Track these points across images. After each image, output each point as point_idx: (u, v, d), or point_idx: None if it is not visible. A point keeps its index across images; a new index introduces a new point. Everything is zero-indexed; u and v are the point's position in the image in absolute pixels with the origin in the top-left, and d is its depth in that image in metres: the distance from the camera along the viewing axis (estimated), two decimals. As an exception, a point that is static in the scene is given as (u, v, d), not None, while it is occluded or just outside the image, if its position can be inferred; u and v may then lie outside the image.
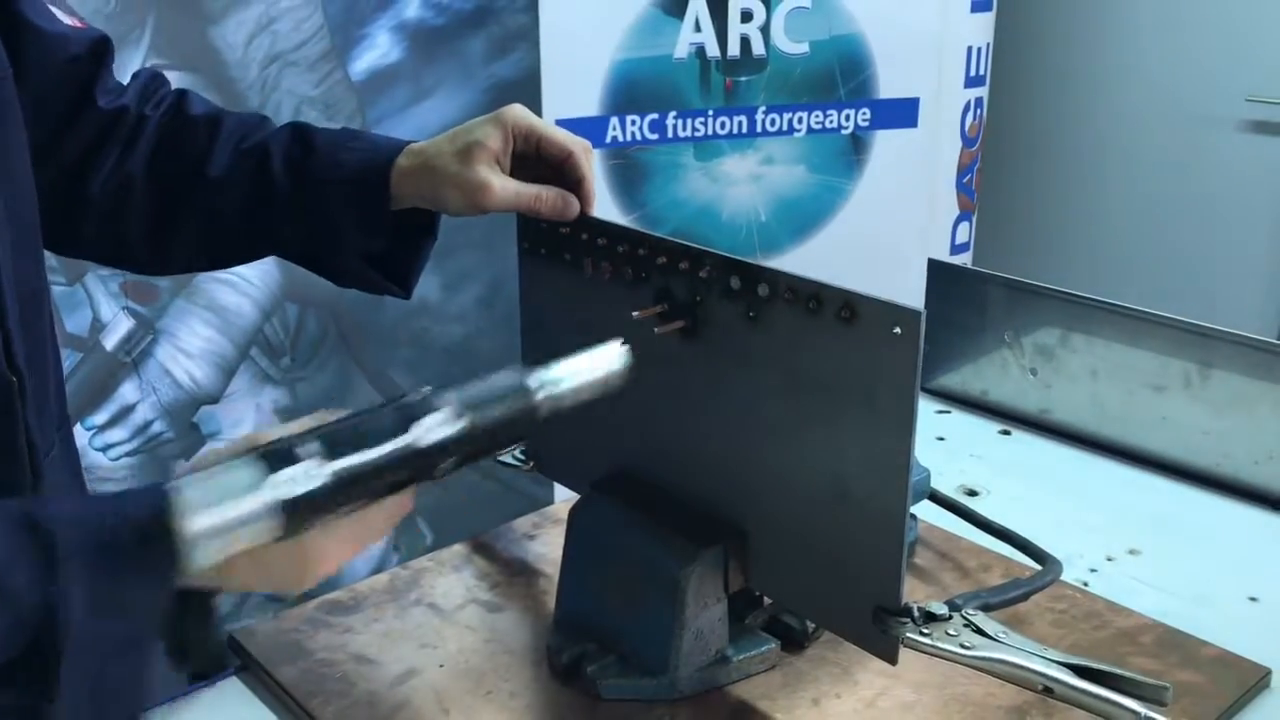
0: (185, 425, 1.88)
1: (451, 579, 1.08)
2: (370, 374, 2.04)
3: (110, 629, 0.70)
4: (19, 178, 0.86)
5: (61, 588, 0.66)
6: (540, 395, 0.77)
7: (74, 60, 0.95)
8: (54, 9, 0.96)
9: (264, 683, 0.96)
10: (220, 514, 0.65)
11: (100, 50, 0.97)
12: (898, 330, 0.76)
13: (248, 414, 1.94)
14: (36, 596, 0.66)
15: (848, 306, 0.79)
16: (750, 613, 0.96)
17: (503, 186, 0.91)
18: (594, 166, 0.96)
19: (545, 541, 1.15)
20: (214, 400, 1.90)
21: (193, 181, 0.96)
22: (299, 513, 0.67)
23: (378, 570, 2.12)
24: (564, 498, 1.20)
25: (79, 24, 0.99)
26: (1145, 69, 2.85)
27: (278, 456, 0.67)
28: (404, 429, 0.71)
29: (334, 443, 0.69)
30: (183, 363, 1.86)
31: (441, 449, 0.72)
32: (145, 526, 0.68)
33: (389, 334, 2.06)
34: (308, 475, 0.67)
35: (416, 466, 0.72)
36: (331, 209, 0.95)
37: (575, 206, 0.94)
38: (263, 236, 1.00)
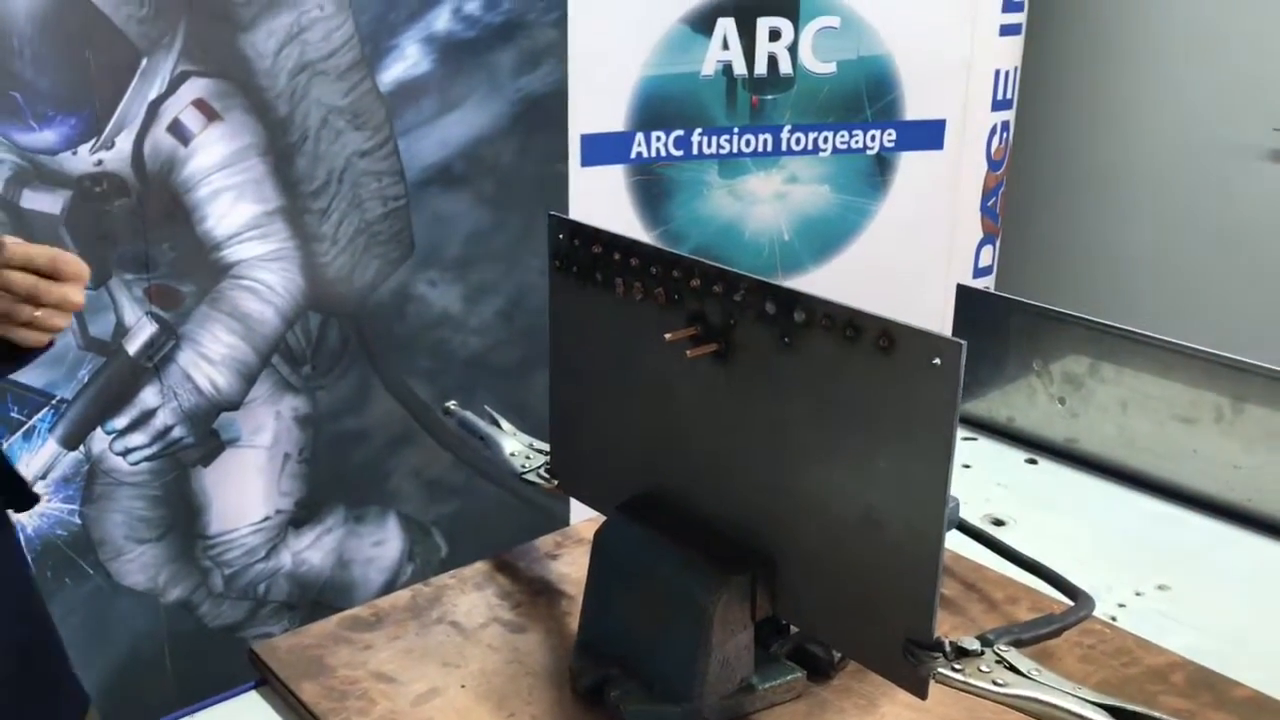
0: (205, 431, 1.88)
1: (474, 597, 1.08)
2: (389, 383, 2.04)
3: None
4: None
5: None
6: None
7: None
8: None
9: (284, 698, 0.95)
10: None
11: None
12: (937, 361, 0.75)
13: (268, 420, 1.93)
14: None
15: (886, 335, 0.78)
16: (776, 641, 0.95)
17: None
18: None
19: (568, 561, 1.14)
20: (234, 406, 1.90)
21: None
22: None
23: (392, 580, 2.13)
24: (582, 516, 1.19)
25: None
26: (1173, 96, 2.84)
27: None
28: None
29: None
30: (204, 369, 1.85)
31: None
32: None
33: (409, 344, 2.05)
34: None
35: None
36: None
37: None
38: None
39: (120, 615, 1.88)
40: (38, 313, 0.92)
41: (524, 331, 2.12)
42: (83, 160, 1.69)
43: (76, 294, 0.93)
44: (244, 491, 1.95)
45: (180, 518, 1.91)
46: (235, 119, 1.80)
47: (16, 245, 0.90)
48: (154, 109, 1.73)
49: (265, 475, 1.96)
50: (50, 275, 0.91)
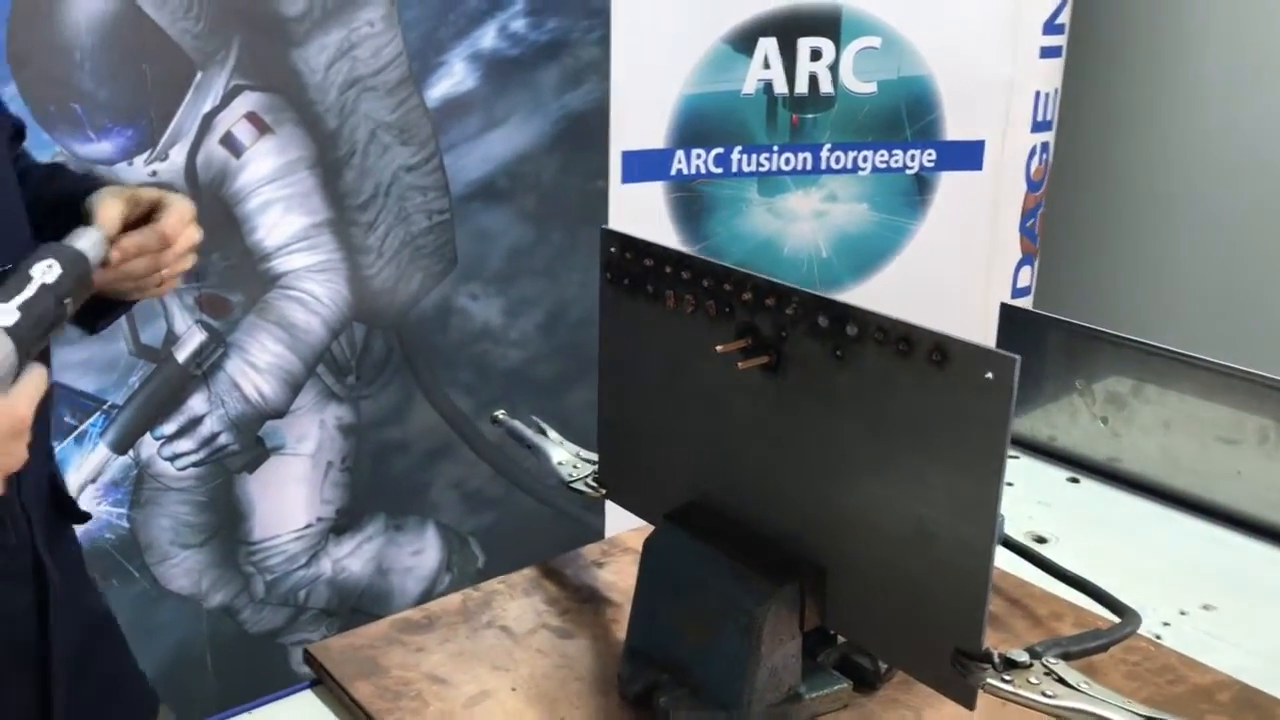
0: (251, 438, 1.91)
1: (522, 603, 1.09)
2: (431, 395, 2.06)
3: None
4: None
5: None
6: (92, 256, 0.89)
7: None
8: None
9: (338, 697, 0.97)
10: None
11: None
12: (990, 375, 0.76)
13: (312, 429, 1.96)
14: None
15: (939, 350, 0.79)
16: (823, 650, 0.96)
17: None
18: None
19: (614, 570, 1.15)
20: (279, 415, 1.93)
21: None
22: None
23: (429, 589, 2.15)
24: (617, 529, 1.21)
25: None
26: (1216, 116, 2.83)
27: None
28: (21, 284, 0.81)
29: None
30: (251, 377, 1.89)
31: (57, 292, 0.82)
32: None
33: (451, 356, 2.08)
34: None
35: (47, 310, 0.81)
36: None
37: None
38: None
39: (164, 619, 1.91)
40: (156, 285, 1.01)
41: (564, 345, 2.14)
42: (138, 171, 1.73)
43: (188, 262, 1.02)
44: (287, 499, 1.98)
45: (224, 523, 1.93)
46: (286, 132, 1.83)
47: (130, 242, 0.96)
48: (207, 122, 1.77)
49: (308, 483, 1.99)
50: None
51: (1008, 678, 0.80)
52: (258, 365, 1.89)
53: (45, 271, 0.83)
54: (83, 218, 0.93)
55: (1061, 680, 0.81)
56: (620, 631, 1.03)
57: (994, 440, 0.77)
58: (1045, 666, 0.82)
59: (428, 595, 2.14)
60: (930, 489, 0.81)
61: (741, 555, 0.93)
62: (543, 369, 2.16)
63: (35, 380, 0.78)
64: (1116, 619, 1.00)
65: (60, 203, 1.01)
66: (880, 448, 0.84)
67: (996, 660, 0.81)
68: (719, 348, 0.92)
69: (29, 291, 0.81)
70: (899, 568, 0.84)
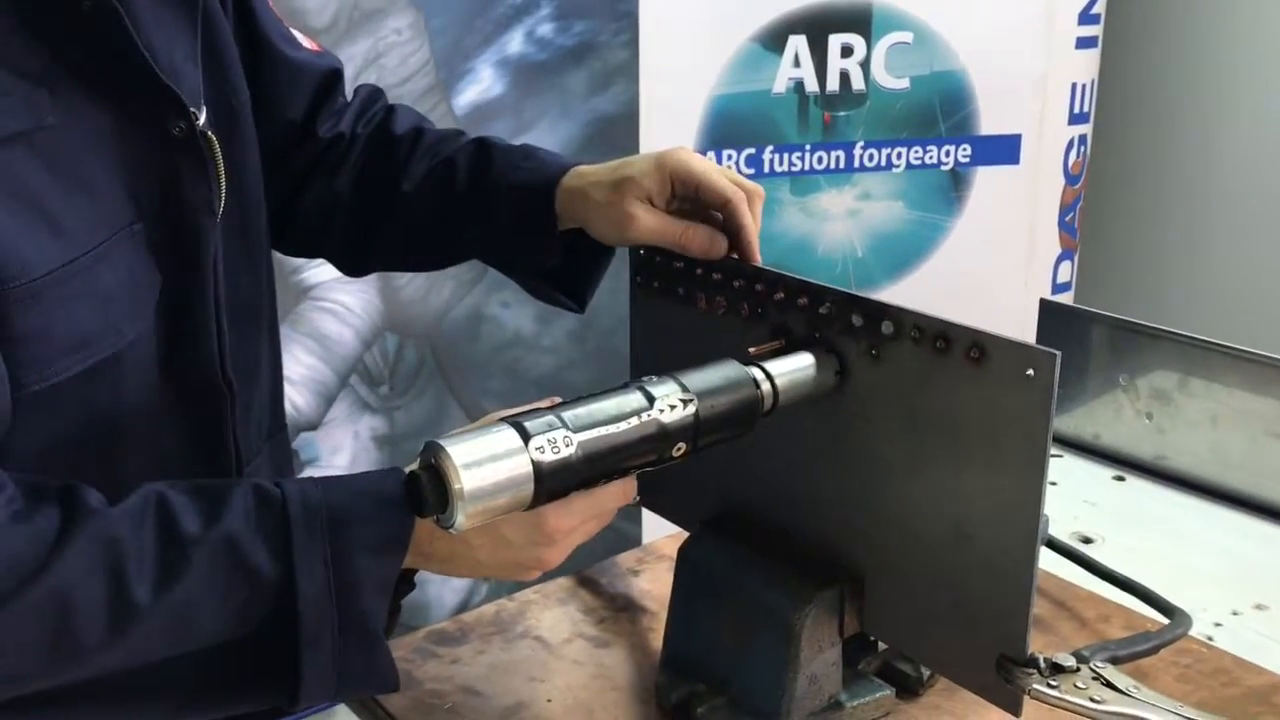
0: (286, 451, 1.91)
1: (557, 612, 1.08)
2: (465, 403, 2.06)
3: (345, 616, 0.74)
4: (251, 196, 0.93)
5: (299, 558, 0.72)
6: (764, 388, 0.81)
7: (305, 93, 1.03)
8: (295, 31, 1.03)
9: (372, 711, 0.96)
10: (489, 472, 0.67)
11: (329, 83, 1.05)
12: (1030, 373, 0.74)
13: (346, 441, 1.96)
14: (274, 566, 0.73)
15: (977, 347, 0.77)
16: (863, 658, 0.94)
17: (647, 219, 0.91)
18: (760, 213, 0.94)
19: (650, 578, 1.14)
20: (313, 427, 1.93)
21: (389, 198, 1.03)
22: (546, 481, 0.69)
23: (466, 600, 2.14)
24: (655, 536, 1.19)
25: (315, 48, 1.06)
26: (1257, 104, 2.77)
27: (526, 425, 0.70)
28: (646, 409, 0.74)
29: (580, 416, 0.72)
30: (285, 389, 1.89)
31: (679, 431, 0.75)
32: (384, 496, 0.75)
33: (483, 365, 2.07)
34: (557, 444, 0.69)
35: (654, 448, 0.75)
36: (501, 226, 0.99)
37: (723, 245, 0.93)
38: (450, 247, 1.06)
39: (204, 631, 1.91)
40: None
41: (595, 351, 2.13)
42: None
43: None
44: (323, 510, 1.98)
45: (262, 536, 1.94)
46: (315, 143, 1.83)
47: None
48: (238, 134, 1.78)
49: (344, 494, 1.99)
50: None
51: (1054, 683, 0.78)
52: (291, 377, 1.89)
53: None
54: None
55: (1110, 685, 0.78)
56: (657, 640, 1.01)
57: (1035, 439, 0.75)
58: (1093, 671, 0.80)
59: (465, 605, 2.13)
60: (969, 490, 0.79)
61: (778, 561, 0.91)
62: (575, 375, 2.15)
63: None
64: (1166, 621, 0.97)
65: (517, 192, 0.97)
66: (918, 448, 0.82)
67: (1042, 665, 0.78)
68: (751, 350, 0.90)
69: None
70: (940, 572, 0.82)
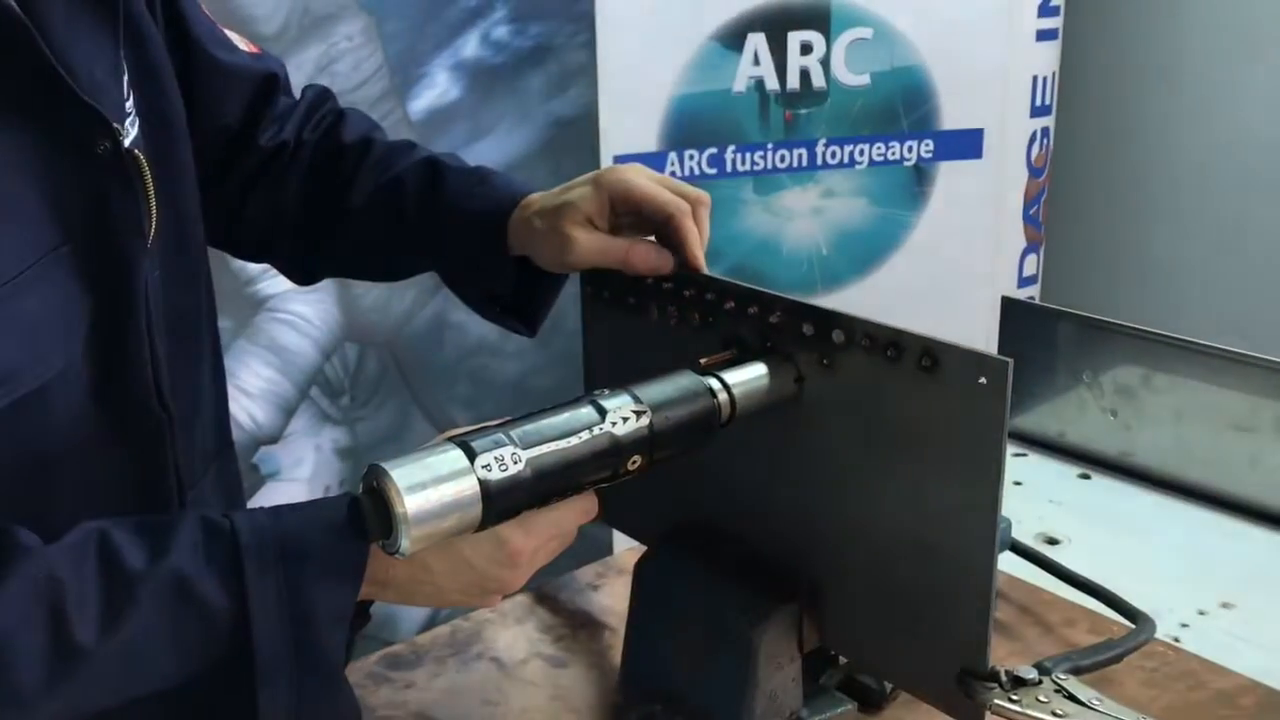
0: (245, 465, 1.88)
1: (514, 631, 1.06)
2: (429, 412, 2.03)
3: (302, 651, 0.71)
4: (187, 214, 0.90)
5: (251, 591, 0.69)
6: (720, 398, 0.79)
7: (242, 100, 0.99)
8: (232, 34, 0.99)
9: (324, 741, 0.93)
10: (433, 495, 0.65)
11: (268, 87, 1.01)
12: (983, 380, 0.72)
13: (307, 454, 1.93)
14: (226, 601, 0.69)
15: (929, 354, 0.75)
16: (825, 672, 0.92)
17: (587, 243, 0.90)
18: (706, 222, 0.92)
19: (609, 593, 1.12)
20: (274, 440, 1.90)
21: (336, 211, 1.00)
22: (495, 500, 0.67)
23: (435, 612, 2.11)
24: (625, 546, 1.17)
25: (254, 50, 1.02)
26: (1220, 97, 2.78)
27: (473, 444, 0.68)
28: (597, 423, 0.73)
29: (529, 433, 0.70)
30: (243, 403, 1.85)
31: (633, 444, 0.74)
32: (337, 523, 0.71)
33: (447, 372, 2.04)
34: (505, 462, 0.68)
35: (608, 462, 0.73)
36: (452, 250, 0.97)
37: (668, 261, 0.91)
38: (398, 264, 1.04)
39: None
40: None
41: (561, 355, 2.10)
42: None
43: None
44: (286, 525, 1.95)
45: (223, 553, 1.90)
46: (268, 153, 1.80)
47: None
48: (187, 145, 1.74)
49: (306, 508, 1.96)
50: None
51: (1015, 697, 0.76)
52: (249, 391, 1.86)
53: None
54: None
55: (1072, 697, 0.77)
56: (616, 658, 0.99)
57: (990, 447, 0.73)
58: (1055, 683, 0.78)
59: (433, 619, 2.10)
60: (926, 501, 0.77)
61: (735, 576, 0.89)
62: (542, 380, 2.13)
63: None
64: (1131, 625, 0.95)
65: (469, 221, 0.95)
66: (873, 459, 0.80)
67: (1004, 679, 0.77)
68: (703, 360, 0.88)
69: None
70: (898, 584, 0.80)
